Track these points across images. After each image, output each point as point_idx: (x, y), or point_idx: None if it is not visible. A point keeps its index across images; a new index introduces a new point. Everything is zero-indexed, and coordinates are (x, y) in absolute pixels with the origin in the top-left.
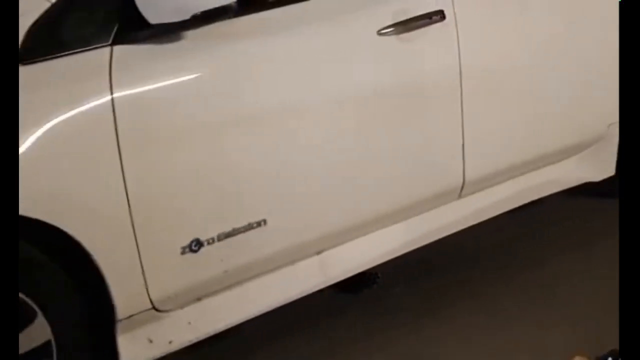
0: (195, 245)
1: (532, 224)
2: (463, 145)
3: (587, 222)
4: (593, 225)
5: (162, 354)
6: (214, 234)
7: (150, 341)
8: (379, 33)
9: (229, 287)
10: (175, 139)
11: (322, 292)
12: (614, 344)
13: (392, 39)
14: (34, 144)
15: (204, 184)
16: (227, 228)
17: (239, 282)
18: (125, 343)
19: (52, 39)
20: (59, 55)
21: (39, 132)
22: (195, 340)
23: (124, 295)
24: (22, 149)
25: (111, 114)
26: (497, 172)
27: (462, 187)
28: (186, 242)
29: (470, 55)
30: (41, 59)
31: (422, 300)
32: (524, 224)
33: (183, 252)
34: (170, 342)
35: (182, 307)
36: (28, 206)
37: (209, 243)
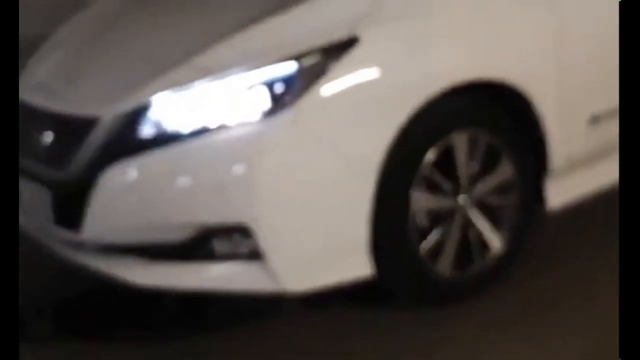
0: (595, 120)
1: (535, 235)
2: None
3: (591, 236)
4: (596, 238)
5: (569, 203)
6: (606, 112)
7: (561, 190)
8: None
9: (599, 160)
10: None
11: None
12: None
13: None
14: None
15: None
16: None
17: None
18: (549, 189)
19: None
20: None
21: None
22: (580, 199)
23: (557, 150)
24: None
25: None
26: None
27: None
28: (588, 116)
29: None
30: None
31: (424, 312)
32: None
33: (587, 125)
34: (565, 193)
35: (575, 169)
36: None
37: (602, 119)
